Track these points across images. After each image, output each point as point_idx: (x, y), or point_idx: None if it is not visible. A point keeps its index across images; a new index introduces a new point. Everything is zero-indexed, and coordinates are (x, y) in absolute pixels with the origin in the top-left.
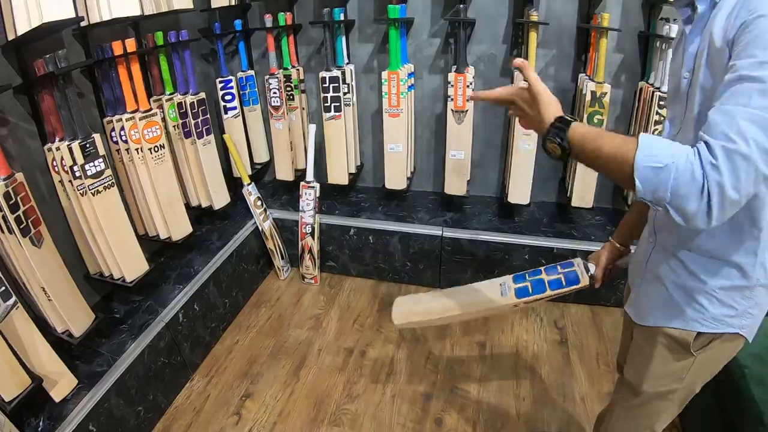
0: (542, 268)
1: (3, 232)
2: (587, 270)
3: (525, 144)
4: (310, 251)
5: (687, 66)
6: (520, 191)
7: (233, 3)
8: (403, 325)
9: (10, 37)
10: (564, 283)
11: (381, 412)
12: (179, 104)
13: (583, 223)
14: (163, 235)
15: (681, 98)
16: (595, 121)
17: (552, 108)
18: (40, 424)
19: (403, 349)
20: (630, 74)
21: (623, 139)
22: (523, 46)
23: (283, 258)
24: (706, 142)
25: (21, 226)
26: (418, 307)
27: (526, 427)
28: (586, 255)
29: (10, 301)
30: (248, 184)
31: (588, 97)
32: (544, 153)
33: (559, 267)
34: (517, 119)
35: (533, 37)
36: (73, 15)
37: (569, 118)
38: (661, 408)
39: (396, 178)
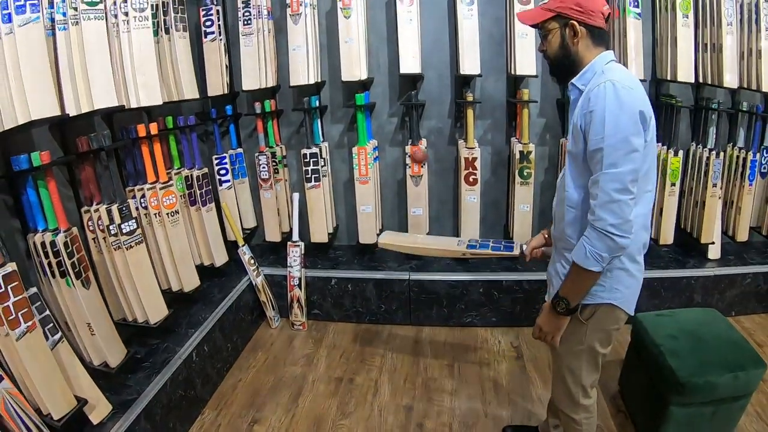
0: (491, 240)
1: (54, 276)
2: (521, 248)
3: (471, 197)
4: (299, 301)
5: (569, 132)
6: (470, 236)
7: (225, 92)
8: (384, 246)
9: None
10: (502, 249)
11: (371, 423)
12: (186, 177)
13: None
14: (175, 287)
15: (567, 154)
16: (525, 174)
17: (547, 305)
18: None
19: (385, 375)
20: (553, 133)
21: (572, 273)
22: (464, 120)
23: (274, 309)
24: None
25: (75, 271)
26: (399, 238)
27: (493, 423)
28: (532, 287)
29: (57, 336)
30: (242, 245)
31: (517, 156)
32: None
33: (503, 241)
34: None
35: (470, 113)
36: (117, 104)
37: (557, 299)
38: (576, 364)
39: (368, 234)
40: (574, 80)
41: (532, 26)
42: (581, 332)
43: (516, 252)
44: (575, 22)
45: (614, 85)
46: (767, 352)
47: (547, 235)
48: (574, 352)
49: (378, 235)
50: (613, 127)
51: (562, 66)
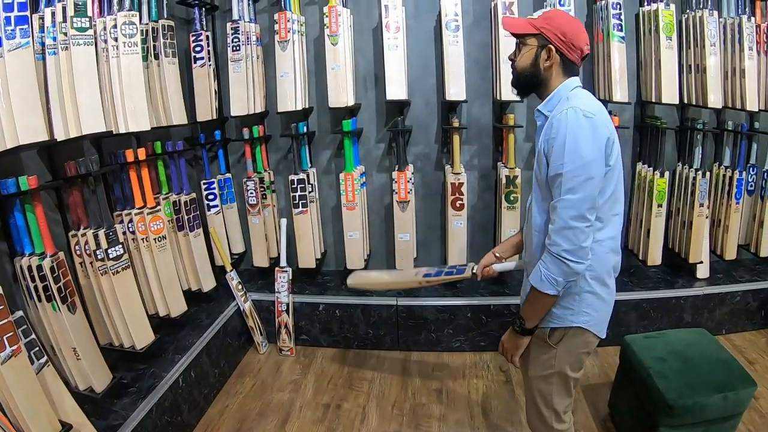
0: (445, 266)
1: (40, 300)
2: (472, 269)
3: (457, 223)
4: (286, 326)
5: (535, 158)
6: (457, 261)
7: (214, 117)
8: (354, 286)
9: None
10: (455, 272)
11: None
12: (174, 202)
13: (513, 283)
14: (162, 312)
15: (534, 179)
16: (511, 198)
17: (508, 334)
18: None
19: (373, 400)
20: None
21: (530, 295)
22: (450, 145)
23: (262, 334)
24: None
25: (61, 295)
26: (367, 278)
27: None
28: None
29: (42, 360)
30: (230, 271)
31: (504, 181)
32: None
33: (457, 265)
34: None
35: (456, 138)
36: (104, 129)
37: (515, 317)
38: (547, 389)
39: (355, 259)
40: (540, 107)
41: (513, 34)
42: (551, 356)
43: (467, 274)
44: (553, 48)
45: (576, 112)
46: (758, 369)
47: (498, 254)
48: (544, 376)
49: (366, 260)
50: (572, 154)
51: (525, 81)
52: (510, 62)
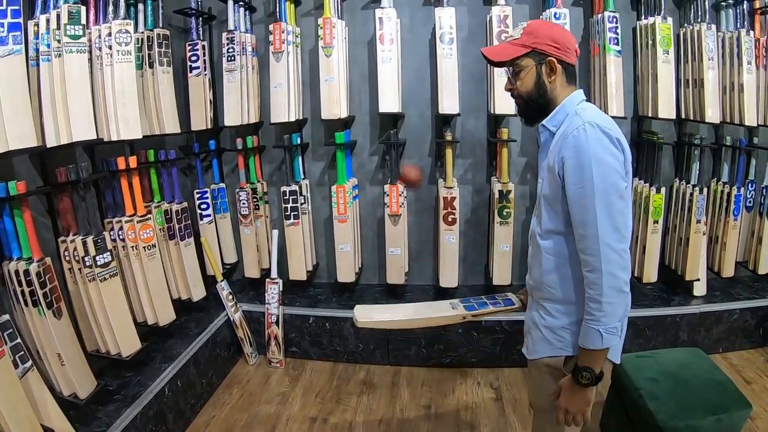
0: (484, 297)
1: (27, 305)
2: (520, 300)
3: (449, 238)
4: (276, 338)
5: (540, 175)
6: (449, 277)
7: (209, 126)
8: (365, 324)
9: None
10: (503, 304)
11: None
12: (166, 211)
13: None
14: (150, 321)
15: (538, 197)
16: (505, 213)
17: (567, 379)
18: None
19: (360, 415)
20: (534, 172)
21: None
22: (443, 159)
23: (251, 345)
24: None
25: (47, 301)
26: (380, 312)
27: None
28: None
29: (27, 364)
30: (221, 281)
31: (497, 195)
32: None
33: (498, 296)
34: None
35: (449, 152)
36: (95, 136)
37: (579, 371)
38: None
39: (346, 273)
40: (544, 122)
41: (498, 63)
42: None
43: (518, 304)
44: (554, 59)
45: (594, 128)
46: (756, 389)
47: None
48: (555, 407)
49: (357, 273)
50: (599, 172)
51: (536, 106)
52: (511, 94)
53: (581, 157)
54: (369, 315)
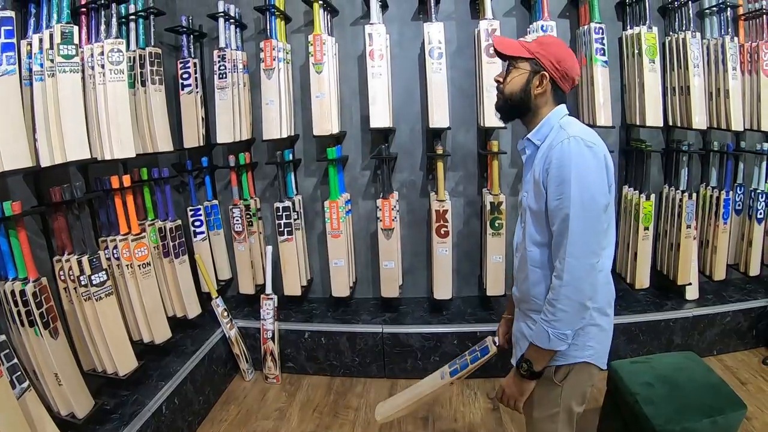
0: (466, 353)
1: (23, 325)
2: (494, 343)
3: (443, 250)
4: (272, 354)
5: (525, 187)
6: (443, 289)
7: (201, 144)
8: (385, 419)
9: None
10: (480, 355)
11: None
12: (160, 229)
13: (500, 309)
14: (146, 339)
15: (523, 210)
16: (496, 225)
17: (512, 371)
18: None
19: (358, 429)
20: None
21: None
22: (435, 172)
23: (247, 362)
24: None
25: (43, 321)
26: (392, 404)
27: None
28: None
29: (24, 384)
30: (216, 298)
31: (488, 207)
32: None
33: (476, 347)
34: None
35: (440, 165)
36: (89, 156)
37: (522, 361)
38: (552, 427)
39: (340, 287)
40: (529, 135)
41: (502, 55)
42: (556, 395)
43: (492, 350)
44: (547, 75)
45: (578, 142)
46: (751, 389)
47: (509, 316)
48: (550, 415)
49: (351, 288)
50: (580, 186)
51: (513, 106)
52: (496, 84)
53: (563, 169)
54: (386, 411)
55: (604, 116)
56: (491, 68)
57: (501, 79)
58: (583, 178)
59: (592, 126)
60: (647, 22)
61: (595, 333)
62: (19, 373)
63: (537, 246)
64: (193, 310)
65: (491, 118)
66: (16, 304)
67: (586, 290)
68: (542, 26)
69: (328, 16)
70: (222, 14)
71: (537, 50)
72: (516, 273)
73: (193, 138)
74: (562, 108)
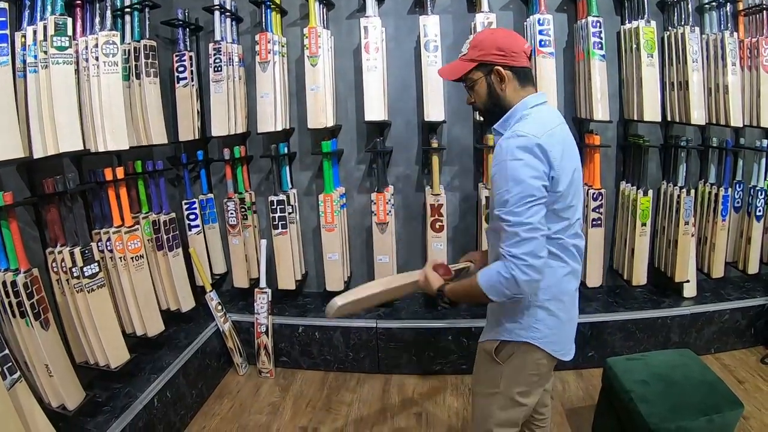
0: None
1: (14, 316)
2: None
3: (438, 245)
4: (266, 348)
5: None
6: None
7: (197, 137)
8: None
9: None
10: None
11: None
12: (154, 222)
13: None
14: (139, 332)
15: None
16: None
17: (434, 284)
18: None
19: (351, 424)
20: None
21: (470, 284)
22: (430, 166)
23: (241, 356)
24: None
25: (34, 312)
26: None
27: None
28: None
29: (15, 375)
30: (210, 291)
31: (484, 202)
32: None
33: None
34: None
35: (435, 159)
36: (81, 147)
37: (443, 286)
38: (487, 409)
39: (335, 281)
40: (496, 126)
41: (456, 81)
42: (496, 373)
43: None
44: (500, 68)
45: (516, 138)
46: (748, 388)
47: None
48: (489, 394)
49: (346, 282)
50: (515, 182)
51: (494, 114)
52: (472, 106)
53: (497, 166)
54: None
55: (602, 111)
56: None
57: (472, 101)
58: (515, 176)
59: (590, 120)
60: (645, 16)
61: (542, 316)
62: (10, 364)
63: (494, 226)
64: (187, 303)
65: None
66: (7, 294)
67: (513, 285)
68: (539, 20)
69: (324, 9)
70: (218, 7)
71: (475, 54)
72: (490, 259)
73: (188, 131)
74: (532, 98)
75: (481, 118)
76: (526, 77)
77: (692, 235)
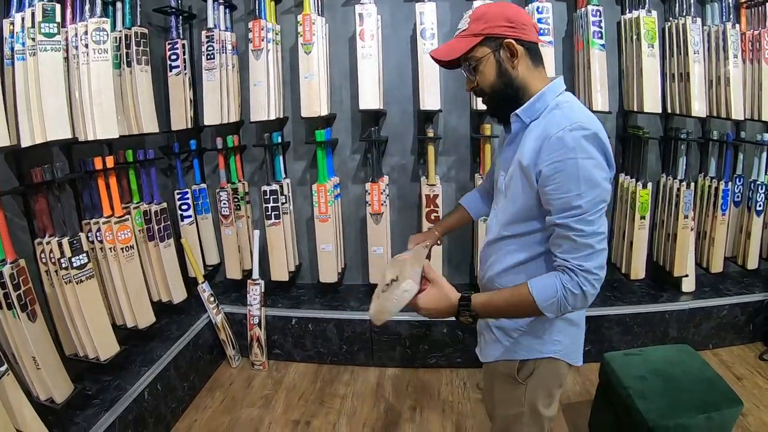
0: None
1: (1, 308)
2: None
3: None
4: (258, 340)
5: (503, 167)
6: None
7: (189, 126)
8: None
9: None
10: None
11: None
12: (145, 212)
13: None
14: (130, 324)
15: (499, 191)
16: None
17: (453, 293)
18: None
19: (344, 418)
20: None
21: (513, 292)
22: (425, 156)
23: (234, 348)
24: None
25: (21, 303)
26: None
27: None
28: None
29: (2, 368)
30: (202, 282)
31: None
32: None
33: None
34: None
35: (431, 149)
36: (70, 136)
37: (467, 295)
38: (518, 429)
39: (328, 273)
40: (518, 111)
41: (453, 65)
42: (520, 393)
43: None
44: (512, 40)
45: (583, 134)
46: (747, 385)
47: (440, 233)
48: (514, 415)
49: (340, 273)
50: (589, 183)
51: (504, 98)
52: (474, 93)
53: (569, 164)
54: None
55: (601, 101)
56: None
57: (473, 84)
58: (592, 174)
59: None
60: (646, 6)
61: (563, 327)
62: None
63: (512, 233)
64: (179, 294)
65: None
66: None
67: (590, 291)
68: (538, 8)
69: None
70: None
71: (480, 28)
72: (483, 255)
73: (181, 120)
74: (560, 82)
75: (485, 106)
76: (537, 55)
77: (691, 229)
